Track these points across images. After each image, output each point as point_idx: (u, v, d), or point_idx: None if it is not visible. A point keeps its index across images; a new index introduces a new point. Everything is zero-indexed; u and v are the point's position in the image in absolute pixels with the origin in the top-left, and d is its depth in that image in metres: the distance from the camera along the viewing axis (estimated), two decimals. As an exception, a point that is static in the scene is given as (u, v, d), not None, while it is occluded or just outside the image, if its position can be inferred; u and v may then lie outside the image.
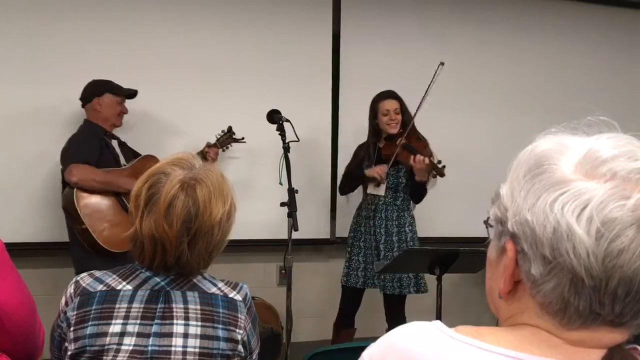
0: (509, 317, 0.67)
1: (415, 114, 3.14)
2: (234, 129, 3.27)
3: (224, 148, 3.24)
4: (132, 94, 2.97)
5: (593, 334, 0.62)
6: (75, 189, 2.67)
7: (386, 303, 3.19)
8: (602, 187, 0.59)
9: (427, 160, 2.91)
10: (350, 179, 3.28)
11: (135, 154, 3.03)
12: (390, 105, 3.17)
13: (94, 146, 2.79)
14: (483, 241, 0.71)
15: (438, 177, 3.01)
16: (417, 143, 3.08)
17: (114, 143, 2.96)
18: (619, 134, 0.64)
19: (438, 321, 0.67)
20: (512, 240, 0.64)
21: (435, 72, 3.08)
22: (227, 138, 3.23)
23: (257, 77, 3.55)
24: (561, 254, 0.59)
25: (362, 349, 0.70)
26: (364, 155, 3.25)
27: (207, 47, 3.48)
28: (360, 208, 3.28)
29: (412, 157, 2.95)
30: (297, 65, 3.64)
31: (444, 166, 2.95)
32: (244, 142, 3.30)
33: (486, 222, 0.70)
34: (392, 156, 3.07)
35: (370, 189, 3.19)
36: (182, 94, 3.41)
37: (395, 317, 3.15)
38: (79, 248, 2.73)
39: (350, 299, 3.28)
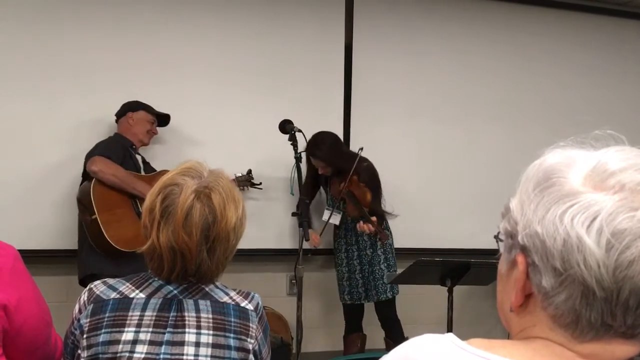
0: (521, 330, 0.67)
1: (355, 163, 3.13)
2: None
3: (241, 188, 3.30)
4: (165, 118, 3.08)
5: (606, 346, 0.62)
6: (93, 181, 2.69)
7: (377, 310, 3.29)
8: (611, 198, 0.59)
9: (372, 228, 3.02)
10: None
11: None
12: (313, 162, 3.28)
13: (120, 152, 2.85)
14: (495, 253, 0.71)
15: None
16: (358, 191, 3.13)
17: (138, 158, 3.02)
18: (627, 147, 0.64)
19: (451, 334, 0.67)
20: (523, 253, 0.64)
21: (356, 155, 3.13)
22: (246, 181, 3.32)
23: (270, 88, 3.57)
24: (572, 265, 0.59)
25: (375, 360, 0.70)
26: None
27: (219, 58, 3.51)
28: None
29: (357, 224, 3.07)
30: (310, 76, 3.66)
31: (385, 229, 3.09)
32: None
33: (496, 237, 0.70)
34: (339, 198, 3.19)
35: (325, 216, 3.28)
36: (194, 105, 3.43)
37: (387, 321, 3.24)
38: (87, 249, 2.76)
39: (350, 311, 3.35)
